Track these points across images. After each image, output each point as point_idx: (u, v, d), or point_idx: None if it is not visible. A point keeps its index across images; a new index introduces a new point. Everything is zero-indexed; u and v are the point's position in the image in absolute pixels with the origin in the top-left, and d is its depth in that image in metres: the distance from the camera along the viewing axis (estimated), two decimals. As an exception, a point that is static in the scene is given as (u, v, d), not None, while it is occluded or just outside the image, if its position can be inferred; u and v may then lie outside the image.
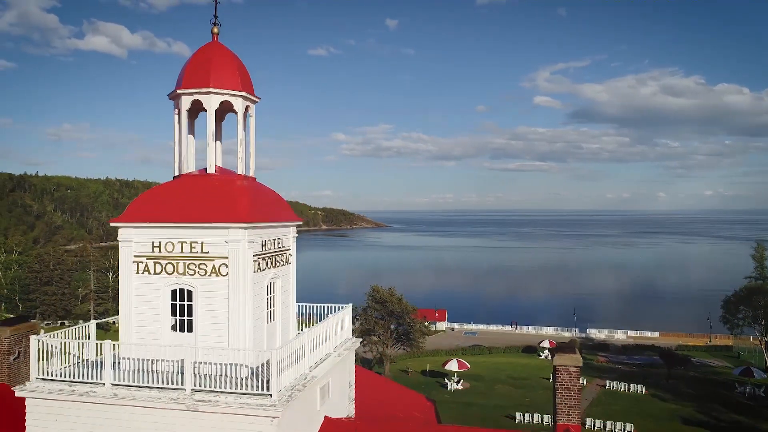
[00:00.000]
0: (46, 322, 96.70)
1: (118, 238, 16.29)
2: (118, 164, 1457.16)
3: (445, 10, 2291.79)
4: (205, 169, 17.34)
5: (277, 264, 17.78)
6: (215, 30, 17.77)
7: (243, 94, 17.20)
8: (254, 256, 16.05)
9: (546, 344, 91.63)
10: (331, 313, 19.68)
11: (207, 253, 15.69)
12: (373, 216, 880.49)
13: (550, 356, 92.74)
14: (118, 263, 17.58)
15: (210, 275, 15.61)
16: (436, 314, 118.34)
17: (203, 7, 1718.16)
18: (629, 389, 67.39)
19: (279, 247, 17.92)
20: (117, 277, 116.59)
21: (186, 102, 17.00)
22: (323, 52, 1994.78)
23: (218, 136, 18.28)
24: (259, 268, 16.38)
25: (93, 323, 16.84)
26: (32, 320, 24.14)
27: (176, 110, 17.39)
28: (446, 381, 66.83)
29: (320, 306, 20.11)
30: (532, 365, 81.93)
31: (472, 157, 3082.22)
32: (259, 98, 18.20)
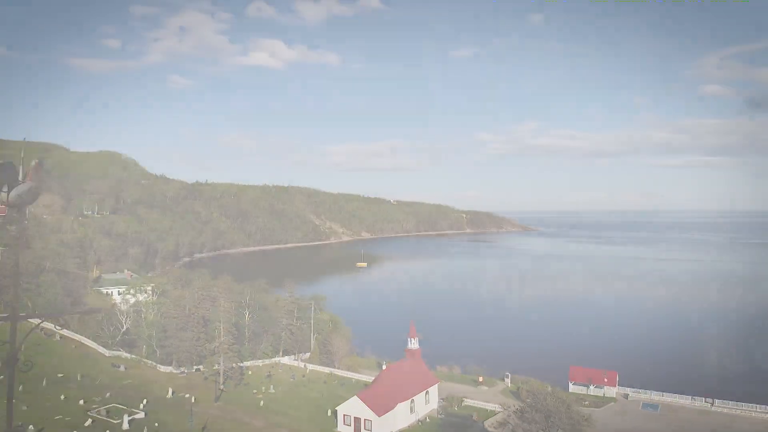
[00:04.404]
0: (181, 370, 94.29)
1: None
2: (276, 169, 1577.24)
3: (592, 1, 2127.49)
4: None
5: None
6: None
7: None
8: None
9: (766, 450, 68.60)
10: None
11: None
12: (520, 217, 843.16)
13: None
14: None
15: None
16: (605, 378, 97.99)
17: (350, 19, 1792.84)
18: None
19: None
20: (254, 314, 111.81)
21: None
22: (467, 53, 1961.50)
23: None
24: None
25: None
26: None
27: None
28: None
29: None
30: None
31: (630, 154, 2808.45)
32: None
